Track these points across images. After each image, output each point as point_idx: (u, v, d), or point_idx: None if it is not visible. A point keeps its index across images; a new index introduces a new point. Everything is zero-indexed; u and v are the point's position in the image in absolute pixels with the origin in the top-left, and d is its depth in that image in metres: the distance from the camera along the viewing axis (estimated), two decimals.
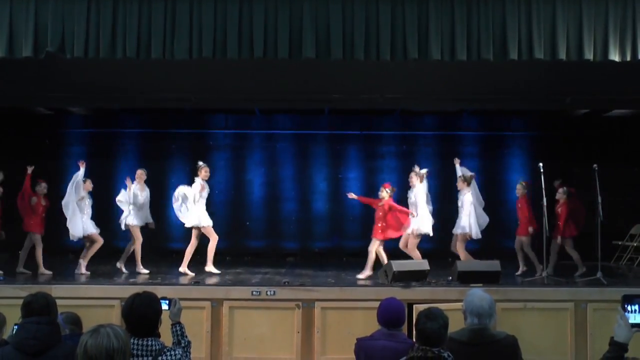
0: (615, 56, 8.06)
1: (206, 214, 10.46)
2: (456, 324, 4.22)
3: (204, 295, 8.65)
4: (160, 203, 11.94)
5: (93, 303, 8.34)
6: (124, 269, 10.47)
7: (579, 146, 13.08)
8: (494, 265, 9.21)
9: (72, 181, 10.27)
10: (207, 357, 8.40)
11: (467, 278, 8.88)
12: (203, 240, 10.47)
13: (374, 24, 8.01)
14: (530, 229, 10.32)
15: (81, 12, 7.96)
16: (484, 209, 10.34)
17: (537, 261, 10.17)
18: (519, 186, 10.71)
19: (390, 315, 4.78)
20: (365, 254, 9.95)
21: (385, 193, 10.02)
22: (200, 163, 10.58)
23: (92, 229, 10.33)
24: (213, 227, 10.53)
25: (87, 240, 10.29)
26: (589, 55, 8.04)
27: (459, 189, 10.26)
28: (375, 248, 9.94)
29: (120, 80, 10.13)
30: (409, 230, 9.90)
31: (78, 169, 10.32)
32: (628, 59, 8.07)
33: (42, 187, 10.28)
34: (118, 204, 10.65)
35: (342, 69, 9.30)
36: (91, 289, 8.88)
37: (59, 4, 7.99)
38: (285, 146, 14.14)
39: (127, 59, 8.10)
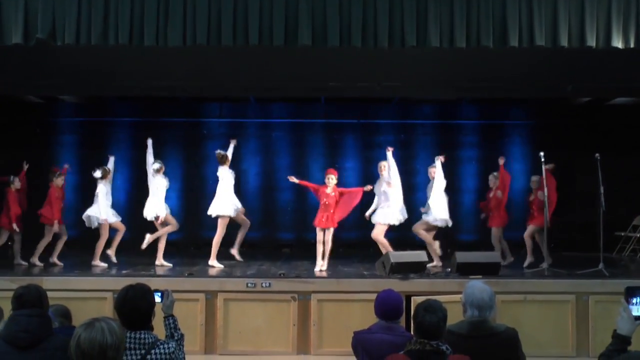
0: (618, 43, 7.93)
1: (235, 203, 10.41)
2: (455, 317, 4.18)
3: (197, 287, 8.56)
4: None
5: (85, 295, 8.26)
6: (114, 258, 10.30)
7: (580, 135, 12.87)
8: (493, 256, 9.13)
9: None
10: (202, 351, 8.33)
11: (467, 270, 8.77)
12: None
13: (372, 10, 7.89)
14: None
15: None
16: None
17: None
18: (491, 177, 10.74)
19: (388, 307, 4.68)
20: (361, 245, 9.83)
21: (333, 181, 9.96)
22: (221, 151, 10.47)
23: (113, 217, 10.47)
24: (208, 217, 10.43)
25: (103, 229, 10.24)
26: (591, 42, 7.92)
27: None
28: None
29: (113, 67, 9.96)
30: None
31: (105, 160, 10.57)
32: (632, 45, 7.95)
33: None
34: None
35: (339, 56, 9.16)
36: (83, 281, 8.78)
37: None
38: (281, 135, 14.01)
39: (119, 45, 7.95)
